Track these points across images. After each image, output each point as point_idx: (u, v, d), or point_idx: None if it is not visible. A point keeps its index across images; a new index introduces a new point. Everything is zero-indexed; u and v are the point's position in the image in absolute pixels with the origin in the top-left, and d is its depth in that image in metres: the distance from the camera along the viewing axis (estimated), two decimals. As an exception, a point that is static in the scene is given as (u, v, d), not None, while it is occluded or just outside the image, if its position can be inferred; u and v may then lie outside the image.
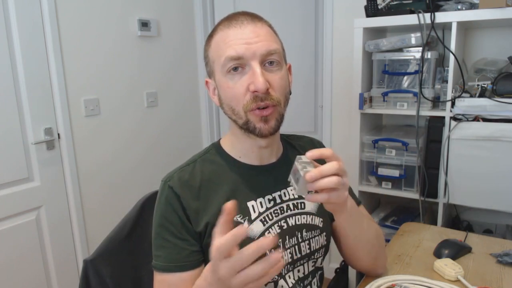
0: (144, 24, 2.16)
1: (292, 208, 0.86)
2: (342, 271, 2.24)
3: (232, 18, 0.78)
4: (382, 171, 1.83)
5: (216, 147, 0.88)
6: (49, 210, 1.81)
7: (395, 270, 1.05)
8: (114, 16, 2.02)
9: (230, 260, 0.55)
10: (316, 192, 0.64)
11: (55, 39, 1.75)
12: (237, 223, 0.79)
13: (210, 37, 0.81)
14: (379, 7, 1.73)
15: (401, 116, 2.03)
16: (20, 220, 1.71)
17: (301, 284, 0.86)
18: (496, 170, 1.55)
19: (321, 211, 0.91)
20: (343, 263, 2.38)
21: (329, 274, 1.26)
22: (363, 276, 1.00)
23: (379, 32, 1.92)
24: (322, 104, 2.36)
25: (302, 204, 0.88)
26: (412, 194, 1.79)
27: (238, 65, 0.75)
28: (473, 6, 1.55)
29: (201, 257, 0.79)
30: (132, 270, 0.98)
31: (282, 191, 0.87)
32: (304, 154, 0.86)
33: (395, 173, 1.80)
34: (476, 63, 1.69)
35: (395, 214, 1.98)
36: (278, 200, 0.85)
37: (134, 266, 0.98)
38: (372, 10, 1.73)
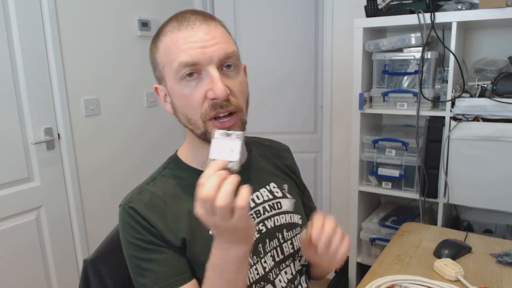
0: (144, 24, 2.16)
1: (269, 209, 0.83)
2: (342, 271, 2.24)
3: (182, 18, 0.71)
4: (382, 171, 1.83)
5: (175, 161, 0.82)
6: (49, 210, 1.81)
7: (395, 270, 1.05)
8: (114, 16, 2.02)
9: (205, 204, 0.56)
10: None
11: (55, 39, 1.75)
12: (212, 236, 0.76)
13: (157, 38, 0.74)
14: (379, 7, 1.73)
15: (401, 116, 2.03)
16: (20, 220, 1.70)
17: (292, 286, 0.84)
18: (496, 170, 1.55)
19: (298, 207, 0.89)
20: (343, 263, 2.37)
21: (329, 274, 1.25)
22: (363, 276, 1.00)
23: (379, 32, 1.92)
24: (322, 104, 2.36)
25: (279, 204, 0.85)
26: (412, 194, 1.79)
27: (193, 71, 0.68)
28: (473, 6, 1.55)
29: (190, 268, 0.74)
30: (132, 270, 0.97)
31: (255, 194, 0.83)
32: (270, 154, 0.93)
33: (395, 173, 1.80)
34: (476, 63, 1.69)
35: (395, 214, 1.98)
36: (252, 204, 0.81)
37: (134, 266, 0.98)
38: (372, 10, 1.73)
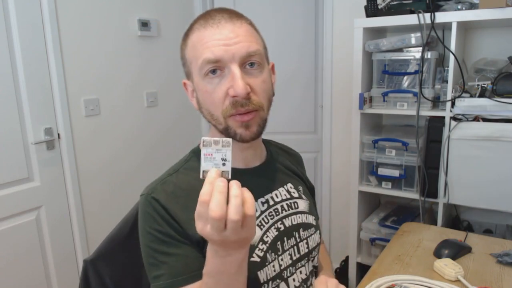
0: (144, 24, 2.16)
1: (286, 208, 0.84)
2: (342, 271, 2.24)
3: (209, 16, 0.73)
4: (382, 171, 1.83)
5: (198, 154, 0.82)
6: (49, 210, 1.81)
7: (395, 270, 1.05)
8: (114, 16, 2.02)
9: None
10: None
11: (55, 39, 1.75)
12: None
13: (186, 36, 0.76)
14: (379, 7, 1.73)
15: (401, 116, 2.03)
16: (20, 220, 1.70)
17: (305, 286, 0.85)
18: (496, 170, 1.55)
19: (311, 209, 0.91)
20: (343, 263, 2.38)
21: (329, 274, 1.25)
22: (363, 276, 1.00)
23: (379, 32, 1.92)
24: (322, 104, 2.36)
25: (296, 204, 0.87)
26: (412, 194, 1.79)
27: (216, 68, 0.70)
28: (473, 6, 1.55)
29: None
30: (132, 270, 0.98)
31: (274, 192, 0.85)
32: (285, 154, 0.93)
33: (395, 173, 1.80)
34: (476, 63, 1.69)
35: (395, 214, 1.98)
36: (271, 202, 0.83)
37: (134, 266, 0.98)
38: (372, 10, 1.73)
